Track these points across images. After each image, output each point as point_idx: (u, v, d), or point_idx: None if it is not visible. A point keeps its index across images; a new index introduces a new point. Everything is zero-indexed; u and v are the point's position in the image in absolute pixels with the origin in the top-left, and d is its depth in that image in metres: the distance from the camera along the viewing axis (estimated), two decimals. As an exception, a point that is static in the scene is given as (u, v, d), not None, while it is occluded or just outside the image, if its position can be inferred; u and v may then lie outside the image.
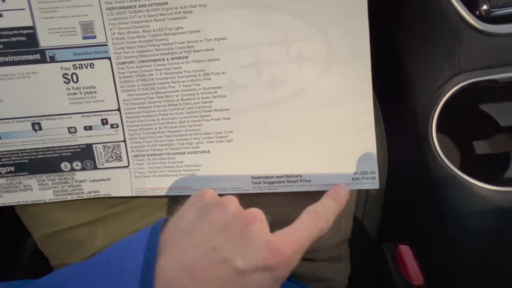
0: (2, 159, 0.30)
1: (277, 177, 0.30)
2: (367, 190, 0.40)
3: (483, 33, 0.35)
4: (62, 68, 0.29)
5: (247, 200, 0.31)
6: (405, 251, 0.38)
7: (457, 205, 0.36)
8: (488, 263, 0.36)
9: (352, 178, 0.30)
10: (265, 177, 0.30)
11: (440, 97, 0.37)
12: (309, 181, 0.30)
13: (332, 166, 0.30)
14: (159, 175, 0.31)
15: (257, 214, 0.22)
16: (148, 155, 0.31)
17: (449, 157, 0.37)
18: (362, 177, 0.30)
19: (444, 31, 0.36)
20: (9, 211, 0.33)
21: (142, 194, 0.32)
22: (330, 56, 0.28)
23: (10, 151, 0.30)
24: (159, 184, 0.31)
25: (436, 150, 0.37)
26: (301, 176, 0.30)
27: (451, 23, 0.35)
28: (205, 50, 0.29)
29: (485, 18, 0.35)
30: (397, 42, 0.41)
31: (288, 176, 0.30)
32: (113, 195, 0.32)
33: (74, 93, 0.30)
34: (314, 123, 0.29)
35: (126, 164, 0.31)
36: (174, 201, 0.32)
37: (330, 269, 0.35)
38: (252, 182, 0.30)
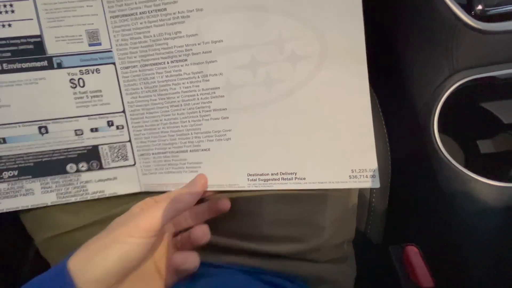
0: (7, 163, 0.31)
1: (272, 174, 0.30)
2: (370, 190, 0.39)
3: (480, 31, 0.35)
4: (69, 74, 0.31)
5: (243, 197, 0.31)
6: (413, 253, 0.36)
7: (463, 203, 0.36)
8: (499, 262, 0.34)
9: (350, 176, 0.29)
10: (261, 174, 0.30)
11: (440, 95, 0.37)
12: (304, 178, 0.30)
13: (329, 163, 0.29)
14: (164, 172, 0.32)
15: None
16: (153, 153, 0.32)
17: (452, 155, 0.36)
18: (361, 175, 0.28)
19: (441, 30, 0.36)
20: (12, 219, 0.33)
21: (150, 190, 0.32)
22: (324, 53, 0.28)
23: (15, 155, 0.31)
24: (165, 180, 0.32)
25: (439, 148, 0.36)
26: (296, 174, 0.30)
27: (447, 22, 0.35)
28: (203, 52, 0.30)
29: (481, 17, 0.35)
30: (396, 40, 0.41)
31: (283, 174, 0.30)
32: (119, 193, 0.32)
33: (81, 97, 0.31)
34: (310, 120, 0.29)
35: (133, 163, 0.32)
36: None
37: (334, 270, 0.34)
38: (248, 179, 0.30)
